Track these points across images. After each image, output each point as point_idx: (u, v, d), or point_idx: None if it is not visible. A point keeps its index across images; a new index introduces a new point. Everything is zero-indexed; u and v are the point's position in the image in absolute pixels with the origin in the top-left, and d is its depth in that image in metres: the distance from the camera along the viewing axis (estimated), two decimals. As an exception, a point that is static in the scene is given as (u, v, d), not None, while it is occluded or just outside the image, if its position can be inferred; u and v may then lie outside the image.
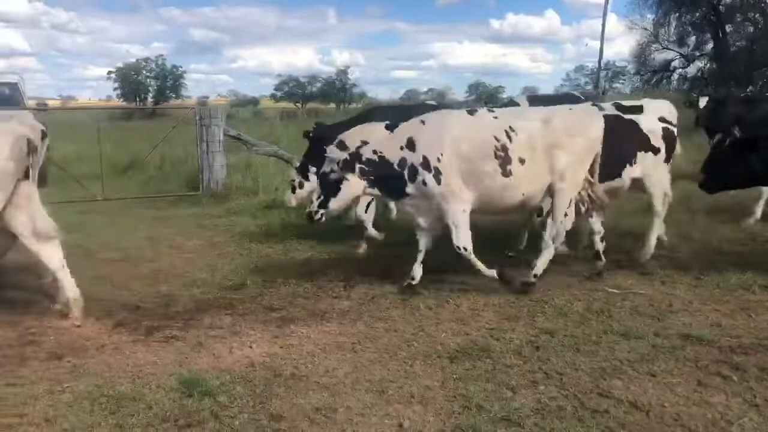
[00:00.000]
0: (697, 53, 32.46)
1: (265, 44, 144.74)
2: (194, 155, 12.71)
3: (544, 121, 5.96)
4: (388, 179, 5.93)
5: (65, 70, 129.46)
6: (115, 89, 65.13)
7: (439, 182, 5.77)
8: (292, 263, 7.23)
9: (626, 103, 7.64)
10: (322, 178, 6.06)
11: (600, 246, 6.51)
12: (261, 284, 6.44)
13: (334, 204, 6.01)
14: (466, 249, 5.90)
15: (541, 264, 6.06)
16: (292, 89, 73.28)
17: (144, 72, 65.53)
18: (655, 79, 33.48)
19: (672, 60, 33.31)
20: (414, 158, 5.82)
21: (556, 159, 5.87)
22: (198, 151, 12.30)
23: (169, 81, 66.42)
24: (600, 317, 5.37)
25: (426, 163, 5.78)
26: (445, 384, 4.22)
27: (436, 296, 5.98)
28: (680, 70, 33.43)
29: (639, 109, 7.33)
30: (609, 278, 6.41)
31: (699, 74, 32.03)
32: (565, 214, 6.02)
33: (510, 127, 5.85)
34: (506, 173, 5.80)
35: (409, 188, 5.89)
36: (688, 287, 6.12)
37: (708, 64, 31.97)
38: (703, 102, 9.20)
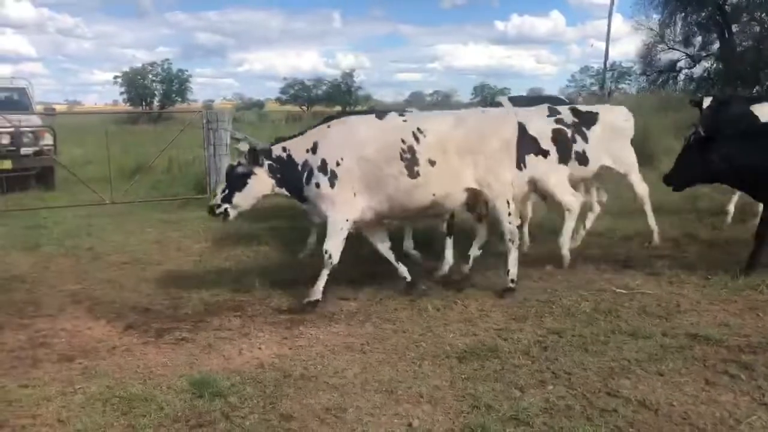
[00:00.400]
0: (704, 53, 32.34)
1: (270, 48, 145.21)
2: (201, 158, 12.76)
3: (455, 123, 5.97)
4: (293, 180, 5.91)
5: (71, 74, 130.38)
6: (121, 93, 65.38)
7: (332, 186, 5.76)
8: (300, 265, 7.25)
9: (583, 108, 7.75)
10: (229, 171, 5.98)
11: (476, 252, 6.52)
12: (269, 286, 6.47)
13: (239, 199, 5.89)
14: (331, 257, 5.81)
15: (513, 268, 6.10)
16: (298, 92, 73.38)
17: (150, 76, 65.74)
18: (661, 80, 33.37)
19: (678, 60, 33.20)
20: (314, 161, 5.82)
21: (472, 162, 5.90)
22: (205, 155, 12.34)
23: (175, 85, 66.56)
24: (608, 317, 5.38)
25: (323, 167, 5.77)
26: (454, 384, 4.24)
27: (443, 297, 6.01)
28: (686, 70, 33.29)
29: (595, 116, 7.46)
30: (616, 279, 6.43)
31: (705, 74, 31.92)
32: (509, 213, 6.03)
33: (418, 129, 5.84)
34: (413, 174, 5.77)
35: (306, 191, 5.88)
36: (695, 287, 6.12)
37: (714, 65, 31.84)
38: (707, 102, 9.19)
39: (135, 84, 64.01)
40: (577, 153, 7.26)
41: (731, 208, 8.62)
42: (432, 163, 5.81)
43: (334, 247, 5.81)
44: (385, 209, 5.95)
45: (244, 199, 5.92)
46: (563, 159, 6.90)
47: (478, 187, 5.96)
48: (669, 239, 7.90)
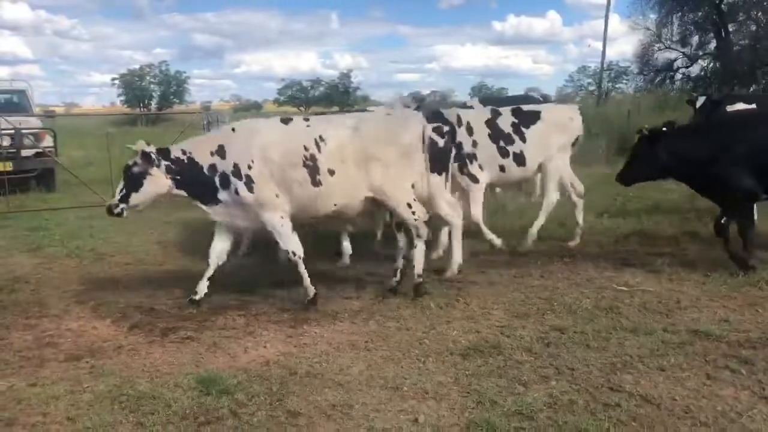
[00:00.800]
0: (701, 53, 32.42)
1: (268, 49, 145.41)
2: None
3: (353, 129, 5.90)
4: (196, 183, 5.83)
5: (68, 76, 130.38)
6: (119, 95, 65.45)
7: (251, 190, 5.71)
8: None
9: (525, 107, 7.77)
10: (125, 170, 5.88)
11: (400, 263, 6.33)
12: (273, 286, 6.52)
13: (136, 199, 5.81)
14: (295, 254, 5.81)
15: (419, 263, 6.10)
16: (295, 93, 73.50)
17: (148, 78, 65.80)
18: (658, 79, 33.44)
19: (675, 60, 33.26)
20: (225, 166, 5.75)
21: (368, 169, 5.83)
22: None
23: (173, 87, 66.67)
24: (609, 314, 5.43)
25: (237, 171, 5.72)
26: (458, 380, 4.29)
27: (445, 296, 6.06)
28: (683, 69, 33.39)
29: (537, 116, 7.49)
30: (616, 276, 6.49)
31: (702, 74, 32.01)
32: (414, 212, 5.96)
33: (320, 137, 5.78)
34: (316, 183, 5.73)
35: (222, 195, 5.80)
36: (695, 284, 6.18)
37: (711, 64, 31.94)
38: (700, 101, 9.25)
39: (133, 86, 64.09)
40: (514, 154, 7.31)
41: None
42: (331, 172, 5.75)
43: (292, 245, 5.82)
44: (294, 213, 5.88)
45: (140, 199, 5.83)
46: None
47: (374, 195, 5.89)
48: (669, 237, 7.97)
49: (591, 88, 50.93)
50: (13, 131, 12.68)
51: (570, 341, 4.88)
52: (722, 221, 6.48)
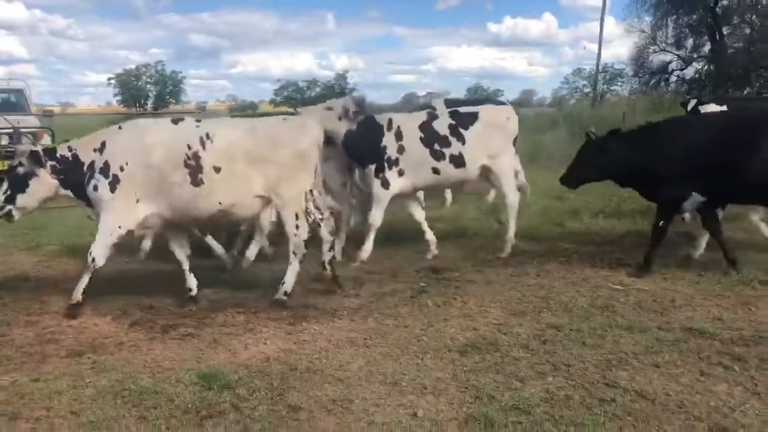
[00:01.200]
0: (695, 55, 32.64)
1: (264, 49, 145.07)
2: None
3: (248, 130, 5.86)
4: (78, 181, 5.73)
5: (63, 76, 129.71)
6: (115, 95, 65.32)
7: (112, 191, 5.59)
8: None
9: (462, 109, 7.81)
10: (8, 171, 5.79)
11: (327, 256, 6.29)
12: (271, 284, 6.55)
13: (22, 201, 5.73)
14: (95, 260, 5.68)
15: (289, 279, 5.99)
16: (291, 94, 73.45)
17: (144, 78, 65.70)
18: (653, 82, 33.63)
19: (670, 62, 33.47)
20: (98, 162, 5.65)
21: (263, 171, 5.78)
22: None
23: (169, 86, 66.57)
24: (604, 312, 5.51)
25: (105, 169, 5.61)
26: (456, 376, 4.35)
27: (443, 294, 6.13)
28: (678, 72, 33.59)
29: (475, 117, 7.51)
30: (612, 275, 6.56)
31: (697, 76, 32.21)
32: (297, 226, 5.89)
33: (207, 135, 5.68)
34: (196, 182, 5.62)
35: (87, 192, 5.69)
36: (689, 283, 6.26)
37: (706, 66, 32.15)
38: (691, 104, 9.35)
39: (129, 86, 63.99)
40: (451, 156, 7.31)
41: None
42: (217, 170, 5.66)
43: (99, 250, 5.68)
44: (171, 216, 5.81)
45: (27, 200, 5.75)
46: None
47: (267, 195, 5.85)
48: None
49: (586, 90, 51.16)
50: (11, 130, 12.69)
51: (566, 338, 4.96)
52: (711, 222, 6.61)
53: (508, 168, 7.66)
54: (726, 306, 5.62)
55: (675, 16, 31.84)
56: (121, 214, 5.66)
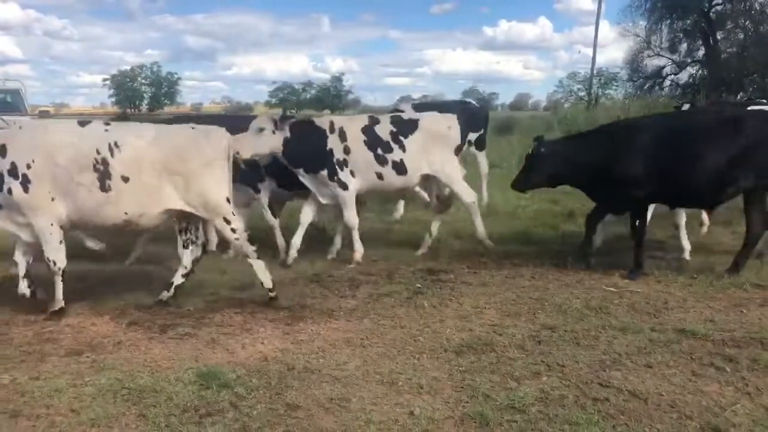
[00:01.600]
0: (689, 60, 32.90)
1: (259, 51, 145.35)
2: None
3: (154, 139, 5.72)
4: None
5: (58, 77, 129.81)
6: (110, 96, 65.32)
7: (26, 191, 5.45)
8: (298, 264, 7.39)
9: (404, 116, 7.84)
10: None
11: (179, 279, 6.17)
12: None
13: None
14: (56, 264, 5.65)
15: (264, 277, 6.02)
16: (287, 96, 73.54)
17: (139, 79, 65.71)
18: (647, 86, 33.85)
19: (664, 66, 33.73)
20: (3, 165, 5.47)
21: (172, 182, 5.69)
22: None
23: (164, 88, 66.61)
24: (598, 314, 5.58)
25: (14, 170, 5.45)
26: (452, 376, 4.41)
27: (439, 295, 6.19)
28: (672, 76, 33.83)
29: (414, 124, 7.49)
30: (606, 278, 6.64)
31: (691, 81, 32.44)
32: (233, 230, 5.88)
33: (115, 143, 5.55)
34: (105, 188, 5.53)
35: (4, 200, 5.54)
36: (682, 286, 6.34)
37: (700, 71, 32.39)
38: (685, 108, 9.45)
39: (124, 86, 63.96)
40: (393, 162, 7.30)
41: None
42: (125, 179, 5.56)
43: (53, 252, 5.63)
44: (78, 220, 5.71)
45: None
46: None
47: (187, 209, 5.77)
48: (657, 240, 8.13)
49: (581, 93, 51.29)
50: (7, 130, 12.70)
51: (560, 339, 5.02)
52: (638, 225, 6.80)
53: (456, 172, 7.63)
54: (718, 308, 5.70)
55: (669, 21, 32.10)
56: (46, 211, 5.54)
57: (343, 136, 7.25)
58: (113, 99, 64.96)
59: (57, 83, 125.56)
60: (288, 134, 7.04)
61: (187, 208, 5.78)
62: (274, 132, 6.99)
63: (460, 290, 6.34)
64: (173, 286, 6.14)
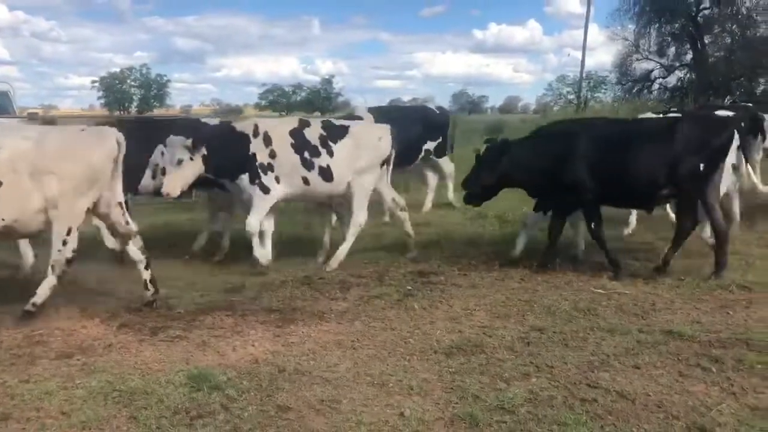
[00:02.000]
0: (677, 63, 33.21)
1: (249, 53, 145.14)
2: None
3: (35, 142, 5.49)
4: None
5: (46, 79, 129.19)
6: (99, 98, 65.06)
7: None
8: (288, 267, 7.40)
9: (336, 121, 7.87)
10: None
11: (146, 274, 6.11)
12: (259, 287, 6.63)
13: None
14: None
15: (41, 292, 5.71)
16: (276, 98, 73.52)
17: (128, 81, 65.49)
18: (636, 89, 34.11)
19: (652, 70, 34.03)
20: None
21: (46, 184, 5.43)
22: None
23: (154, 90, 66.43)
24: (587, 315, 5.63)
25: None
26: (442, 377, 4.45)
27: (429, 297, 6.22)
28: (660, 79, 34.13)
29: (345, 131, 7.44)
30: (594, 280, 6.70)
31: (679, 84, 32.72)
32: (65, 242, 5.67)
33: None
34: None
35: None
36: (669, 288, 6.40)
37: (688, 74, 32.68)
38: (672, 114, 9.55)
39: (113, 89, 63.75)
40: (320, 168, 7.20)
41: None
42: None
43: None
44: None
45: None
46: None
47: (45, 206, 5.50)
48: (645, 243, 8.22)
49: (570, 97, 51.55)
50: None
51: (549, 341, 5.07)
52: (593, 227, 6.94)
53: (366, 187, 7.45)
54: (705, 309, 5.77)
55: (658, 25, 32.39)
56: None
57: (267, 140, 7.16)
58: (102, 101, 64.70)
59: (45, 85, 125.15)
60: (205, 152, 6.96)
61: (49, 209, 5.51)
62: (191, 159, 6.93)
63: (450, 292, 6.38)
64: (147, 282, 6.10)
